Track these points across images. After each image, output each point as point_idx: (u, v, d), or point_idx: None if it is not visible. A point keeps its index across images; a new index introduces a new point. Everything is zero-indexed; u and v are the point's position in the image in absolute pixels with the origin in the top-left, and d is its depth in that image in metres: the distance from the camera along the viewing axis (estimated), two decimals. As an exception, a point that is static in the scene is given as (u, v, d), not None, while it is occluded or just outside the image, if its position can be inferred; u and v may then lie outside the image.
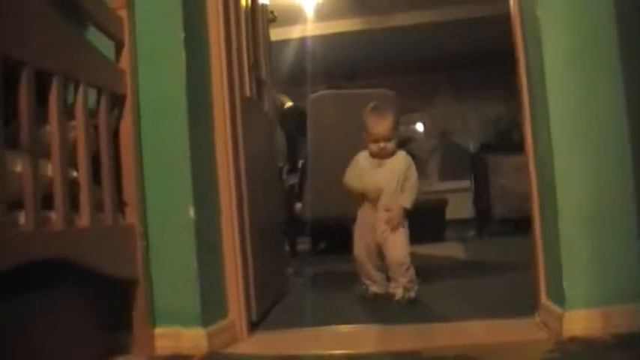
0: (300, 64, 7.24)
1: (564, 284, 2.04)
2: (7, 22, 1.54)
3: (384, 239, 3.05)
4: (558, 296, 2.09)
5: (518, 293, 2.74)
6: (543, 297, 2.28)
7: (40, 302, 1.77)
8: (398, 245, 3.03)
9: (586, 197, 2.08)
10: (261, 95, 3.29)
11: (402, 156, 3.14)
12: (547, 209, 2.22)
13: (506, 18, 2.51)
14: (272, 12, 3.82)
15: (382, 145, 3.05)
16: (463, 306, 2.77)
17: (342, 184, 3.19)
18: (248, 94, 2.78)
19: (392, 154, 3.10)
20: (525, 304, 2.39)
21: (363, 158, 3.16)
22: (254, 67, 3.08)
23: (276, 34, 4.43)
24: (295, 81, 7.05)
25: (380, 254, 3.10)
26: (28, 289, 1.69)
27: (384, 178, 3.07)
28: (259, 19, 3.38)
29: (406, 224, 3.09)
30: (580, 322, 2.01)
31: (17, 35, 1.58)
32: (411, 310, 2.80)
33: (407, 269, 3.00)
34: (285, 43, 7.01)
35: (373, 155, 3.10)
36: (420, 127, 9.93)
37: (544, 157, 2.20)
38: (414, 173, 3.11)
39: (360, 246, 3.13)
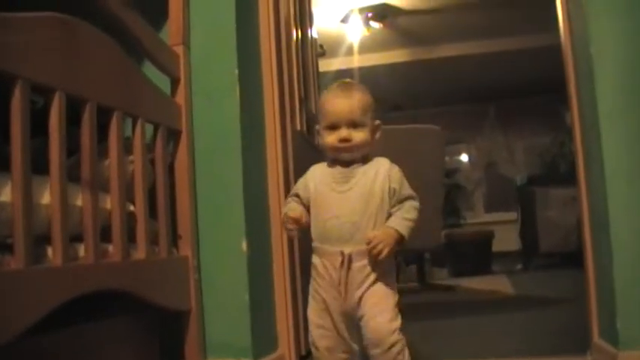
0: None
1: (618, 324, 2.00)
2: (72, 61, 1.60)
3: (362, 302, 1.73)
4: (611, 335, 2.06)
5: (568, 330, 2.71)
6: (595, 335, 2.24)
7: (95, 332, 1.81)
8: (380, 308, 1.73)
9: (642, 233, 2.04)
10: (311, 129, 3.32)
11: (384, 163, 1.84)
12: (600, 244, 2.19)
13: (553, 50, 2.51)
14: (321, 46, 3.86)
15: (345, 133, 1.77)
16: (512, 342, 2.74)
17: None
18: (298, 127, 2.81)
19: (364, 157, 1.83)
20: (576, 342, 2.35)
21: (319, 170, 1.87)
22: (304, 100, 3.12)
23: (322, 65, 4.47)
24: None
25: (357, 331, 1.78)
26: (84, 319, 1.73)
27: (356, 202, 1.76)
28: (309, 53, 3.43)
29: (393, 274, 1.84)
30: (635, 363, 1.96)
31: (80, 73, 1.63)
32: (461, 345, 2.77)
33: (397, 352, 1.71)
34: (331, 74, 7.07)
35: (333, 157, 1.84)
36: (465, 158, 9.88)
37: (597, 190, 2.18)
38: (408, 190, 1.82)
39: (318, 321, 1.80)
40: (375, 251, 1.70)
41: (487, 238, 7.12)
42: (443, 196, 5.23)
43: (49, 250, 1.50)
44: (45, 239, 1.50)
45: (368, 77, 7.40)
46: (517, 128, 9.40)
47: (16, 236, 1.36)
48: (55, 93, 1.51)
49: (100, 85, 1.72)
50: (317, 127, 1.90)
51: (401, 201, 1.80)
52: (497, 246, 7.27)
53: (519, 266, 7.38)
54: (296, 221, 1.78)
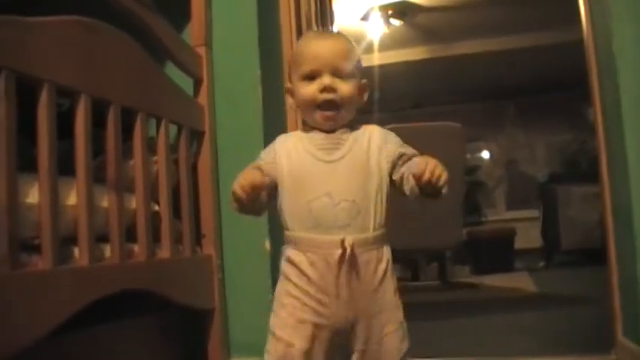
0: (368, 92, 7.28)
1: (643, 322, 2.00)
2: (96, 64, 1.62)
3: (366, 312, 1.31)
4: (636, 334, 2.04)
5: (591, 328, 2.69)
6: (619, 334, 2.23)
7: (119, 331, 1.83)
8: (392, 324, 1.34)
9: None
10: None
11: (375, 128, 1.44)
12: (623, 241, 2.18)
13: (572, 46, 2.49)
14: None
15: (328, 80, 1.35)
16: (535, 340, 2.73)
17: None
18: (320, 127, 2.81)
19: (350, 122, 1.42)
20: (600, 341, 2.34)
21: (292, 138, 1.43)
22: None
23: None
24: (361, 109, 7.09)
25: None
26: (107, 317, 1.75)
27: (352, 175, 1.35)
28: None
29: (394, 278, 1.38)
30: (661, 362, 1.94)
31: (104, 76, 1.65)
32: (484, 343, 2.76)
33: None
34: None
35: (310, 122, 1.42)
36: (486, 155, 9.83)
37: (620, 187, 2.16)
38: (408, 148, 1.41)
39: (293, 341, 1.32)
40: (436, 174, 1.26)
41: (509, 236, 7.08)
42: (464, 193, 5.22)
43: (76, 251, 1.52)
44: (71, 240, 1.52)
45: (388, 75, 7.40)
46: (538, 125, 9.33)
47: (44, 237, 1.39)
48: (80, 96, 1.53)
49: (123, 88, 1.74)
50: (287, 84, 1.48)
51: (409, 158, 1.38)
52: (518, 243, 7.22)
53: (541, 264, 7.34)
54: (254, 187, 1.30)
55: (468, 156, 8.77)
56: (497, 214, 8.84)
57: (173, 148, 2.02)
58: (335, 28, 3.67)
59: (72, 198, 1.54)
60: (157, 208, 1.90)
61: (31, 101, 1.41)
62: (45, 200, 1.39)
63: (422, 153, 1.39)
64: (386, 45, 6.99)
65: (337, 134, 1.40)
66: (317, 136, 1.40)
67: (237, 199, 1.33)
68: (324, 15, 3.32)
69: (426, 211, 4.58)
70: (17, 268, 1.29)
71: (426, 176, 1.25)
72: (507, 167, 9.56)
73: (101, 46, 1.66)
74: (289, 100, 1.47)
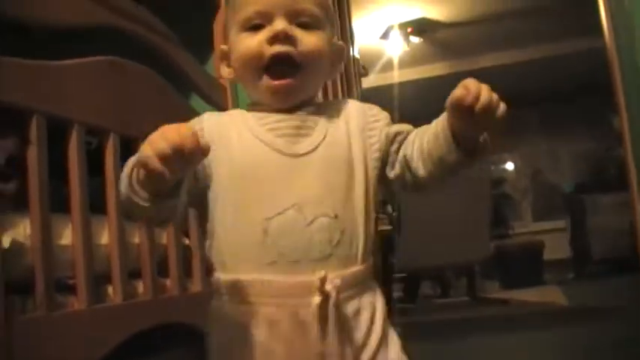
0: (389, 110, 7.28)
1: (680, 337, 1.97)
2: (123, 101, 1.63)
3: None
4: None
5: (626, 344, 2.65)
6: (656, 348, 2.20)
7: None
8: None
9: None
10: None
11: (352, 102, 1.01)
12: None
13: (594, 53, 2.49)
14: (364, 67, 3.87)
15: (282, 25, 0.89)
16: (570, 357, 2.70)
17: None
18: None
19: (313, 99, 1.00)
20: (636, 358, 2.31)
21: (229, 119, 1.03)
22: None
23: (363, 81, 4.47)
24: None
25: None
26: (141, 351, 1.75)
27: (330, 174, 0.89)
28: (352, 74, 3.44)
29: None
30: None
31: (132, 113, 1.66)
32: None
33: None
34: (373, 90, 7.08)
35: (259, 87, 0.95)
36: (510, 166, 9.76)
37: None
38: (400, 124, 0.99)
39: None
40: (495, 100, 0.86)
41: (538, 248, 7.01)
42: (491, 207, 5.20)
43: (110, 289, 1.53)
44: (105, 278, 1.53)
45: (409, 93, 7.40)
46: (561, 134, 9.27)
47: (78, 277, 1.39)
48: (109, 135, 1.54)
49: (150, 123, 1.74)
50: (220, 47, 1.03)
51: (405, 137, 0.97)
52: (546, 255, 7.15)
53: (571, 275, 7.26)
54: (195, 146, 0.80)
55: (492, 168, 8.72)
56: (524, 227, 8.76)
57: (201, 180, 2.02)
58: (356, 48, 3.68)
59: (104, 237, 1.55)
60: (187, 241, 1.90)
61: (61, 141, 1.42)
62: (78, 241, 1.40)
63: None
64: (406, 62, 7.00)
65: (302, 114, 0.94)
66: (271, 118, 0.94)
67: (154, 176, 0.79)
68: (343, 35, 3.34)
69: (453, 226, 4.57)
70: (53, 310, 1.30)
71: (484, 99, 0.83)
72: (533, 178, 9.49)
73: (129, 84, 1.67)
74: (224, 71, 1.04)
